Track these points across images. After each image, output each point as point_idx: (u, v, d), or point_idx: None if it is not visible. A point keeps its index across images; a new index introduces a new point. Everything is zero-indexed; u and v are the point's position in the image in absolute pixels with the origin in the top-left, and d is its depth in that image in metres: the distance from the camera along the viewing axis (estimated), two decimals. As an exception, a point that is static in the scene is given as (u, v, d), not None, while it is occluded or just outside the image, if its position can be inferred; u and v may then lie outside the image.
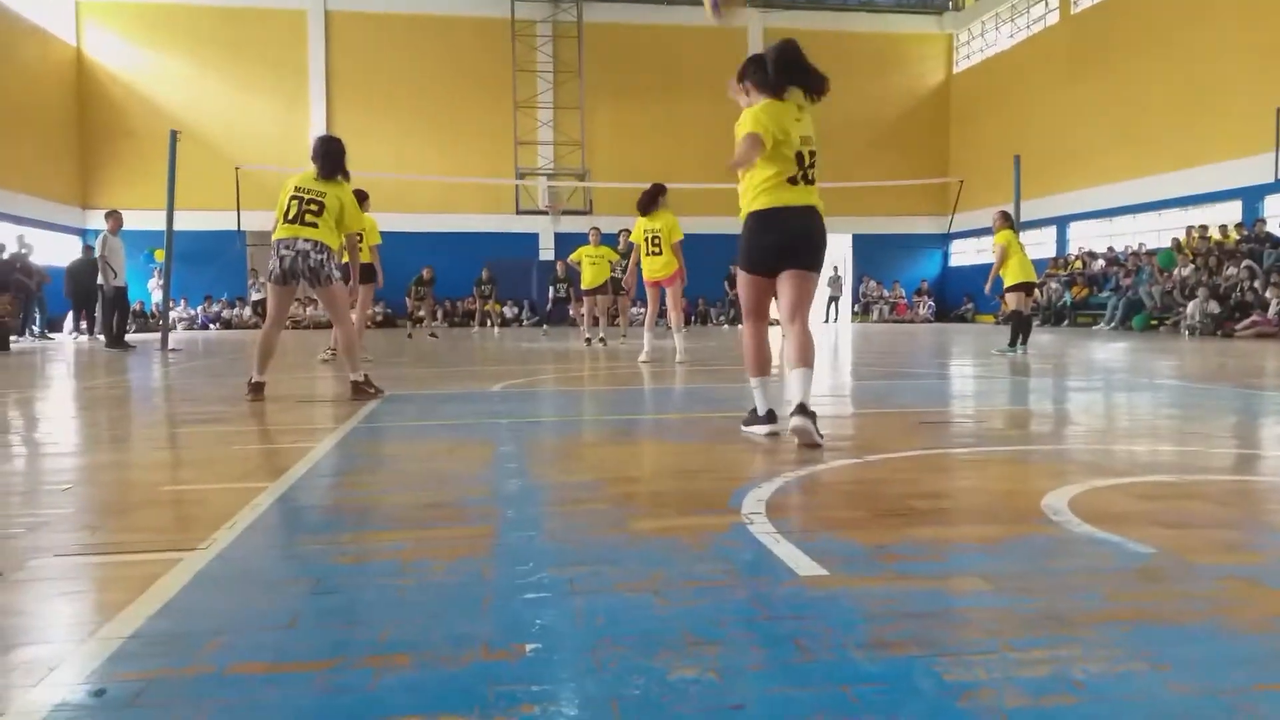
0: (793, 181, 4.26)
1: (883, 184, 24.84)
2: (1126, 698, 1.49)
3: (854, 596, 2.00)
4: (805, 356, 4.11)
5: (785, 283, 4.28)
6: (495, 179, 25.64)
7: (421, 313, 20.19)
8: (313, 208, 6.02)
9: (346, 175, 6.40)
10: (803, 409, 3.96)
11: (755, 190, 4.24)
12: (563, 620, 1.86)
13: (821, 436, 4.00)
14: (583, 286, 13.82)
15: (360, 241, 6.94)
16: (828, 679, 1.56)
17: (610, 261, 13.69)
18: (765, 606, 1.94)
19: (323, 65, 26.71)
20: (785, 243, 4.23)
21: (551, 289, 18.87)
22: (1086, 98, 23.26)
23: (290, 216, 6.02)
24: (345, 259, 6.57)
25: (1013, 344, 11.01)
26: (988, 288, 11.63)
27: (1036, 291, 22.73)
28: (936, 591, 2.06)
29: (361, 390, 6.17)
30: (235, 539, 2.51)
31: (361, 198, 9.76)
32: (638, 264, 9.71)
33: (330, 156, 6.16)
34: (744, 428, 4.48)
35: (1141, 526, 2.59)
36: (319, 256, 5.99)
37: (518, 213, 25.76)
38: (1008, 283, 11.18)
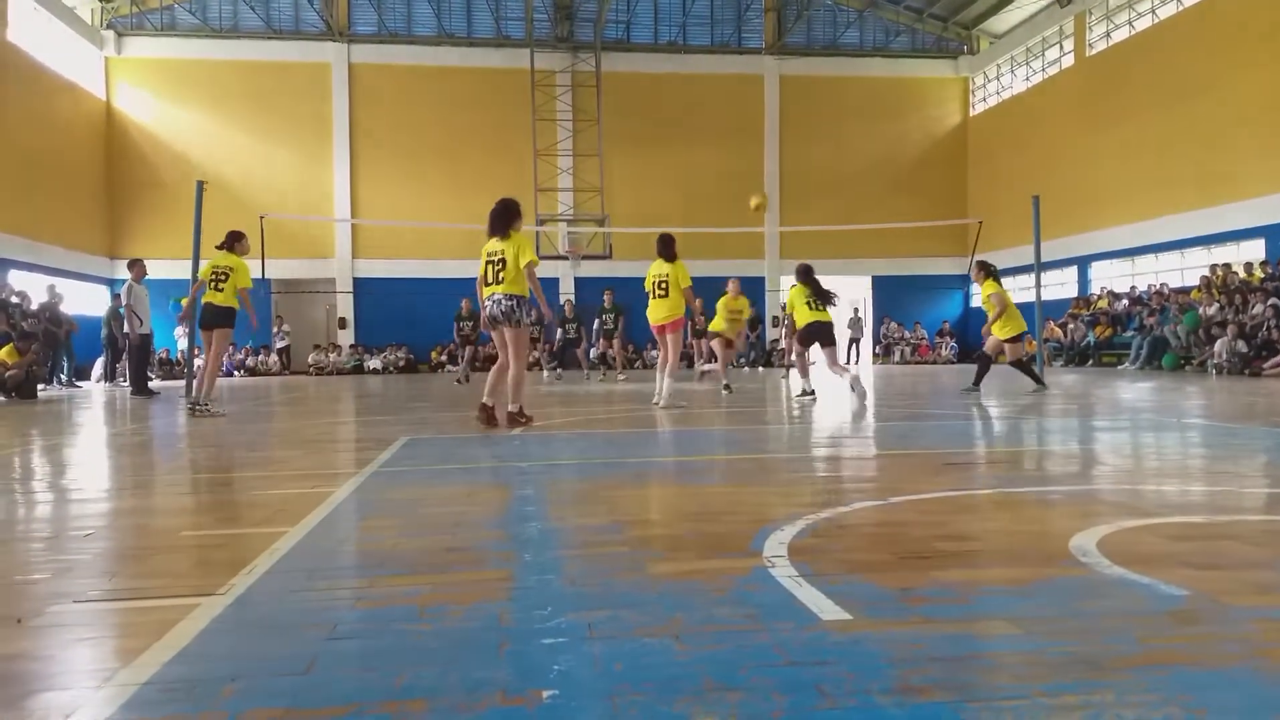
0: None
1: (902, 225, 24.86)
2: (1163, 745, 1.45)
3: (879, 641, 1.95)
4: None
5: None
6: (516, 225, 25.89)
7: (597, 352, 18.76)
8: (499, 266, 7.29)
9: (517, 220, 7.48)
10: None
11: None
12: (581, 666, 1.83)
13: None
14: (726, 334, 13.54)
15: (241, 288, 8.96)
16: (852, 726, 1.52)
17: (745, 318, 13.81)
18: (788, 651, 1.90)
19: (346, 116, 27.21)
20: None
21: (560, 331, 18.52)
22: (1105, 138, 23.29)
23: (488, 280, 7.37)
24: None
25: (977, 383, 11.21)
26: (987, 330, 11.56)
27: (1058, 330, 22.76)
28: (964, 635, 2.01)
29: (515, 419, 7.26)
30: (253, 584, 2.50)
31: (235, 238, 9.65)
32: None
33: (494, 218, 7.37)
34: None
35: (1173, 568, 2.53)
36: (508, 304, 7.27)
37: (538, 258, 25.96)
38: (1009, 334, 11.02)
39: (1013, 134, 27.44)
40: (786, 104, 29.03)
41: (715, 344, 13.35)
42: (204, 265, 9.74)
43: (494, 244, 7.34)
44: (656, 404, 9.40)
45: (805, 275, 10.48)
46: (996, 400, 10.01)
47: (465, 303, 17.29)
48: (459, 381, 16.62)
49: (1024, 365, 11.39)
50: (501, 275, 7.27)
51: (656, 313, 9.74)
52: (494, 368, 7.62)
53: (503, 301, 7.25)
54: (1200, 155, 20.16)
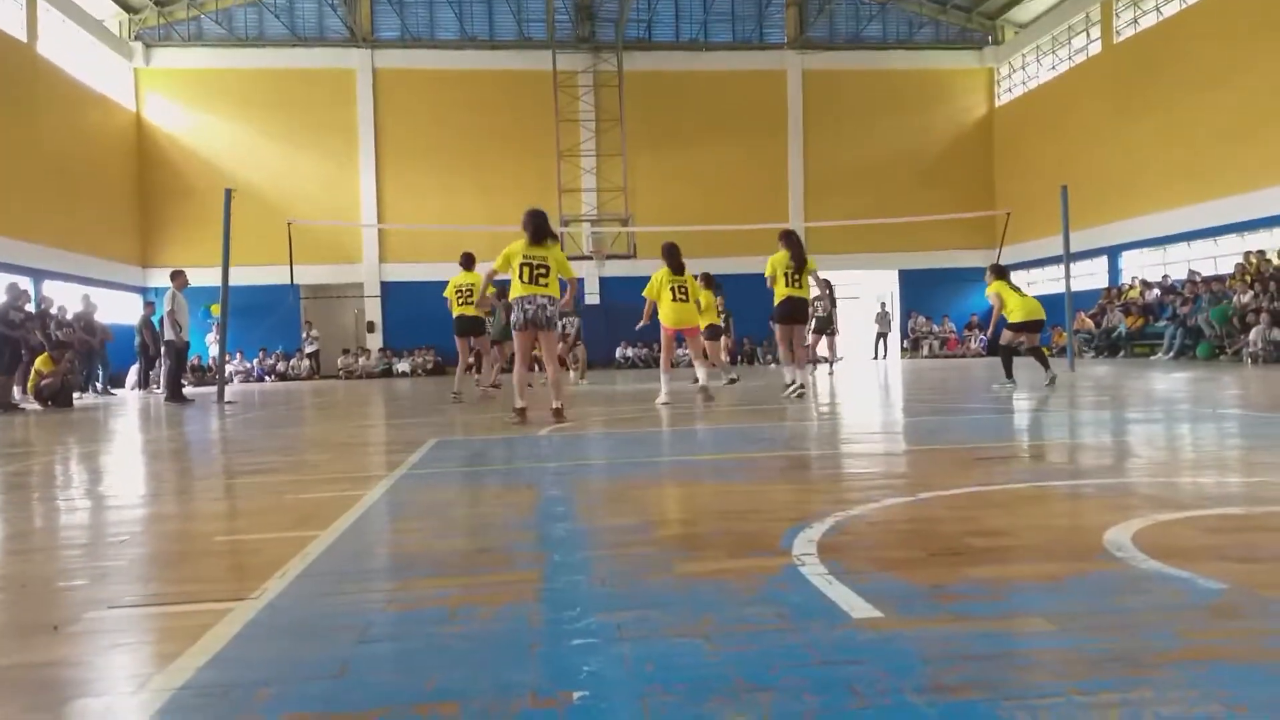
0: None
1: (929, 218, 24.69)
2: (1203, 743, 1.42)
3: (911, 639, 1.94)
4: None
5: None
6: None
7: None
8: (542, 270, 7.55)
9: (555, 237, 7.86)
10: None
11: None
12: (611, 667, 1.83)
13: None
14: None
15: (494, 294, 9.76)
16: (885, 725, 1.51)
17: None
18: (819, 651, 1.88)
19: (371, 121, 27.43)
20: None
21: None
22: (1134, 125, 22.98)
23: (526, 279, 7.52)
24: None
25: (1009, 376, 10.94)
26: (988, 333, 11.80)
27: (1089, 321, 22.48)
28: (997, 633, 1.99)
29: (560, 415, 7.68)
30: (286, 588, 2.52)
31: (471, 257, 11.49)
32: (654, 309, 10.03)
33: (540, 228, 7.64)
34: None
35: (1210, 561, 2.49)
36: (552, 309, 7.59)
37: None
38: (1011, 320, 11.15)
39: (1040, 124, 27.14)
40: (810, 99, 28.90)
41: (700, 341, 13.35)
42: (448, 287, 11.70)
43: (536, 250, 7.62)
44: (666, 403, 9.41)
45: (789, 240, 9.93)
46: (1026, 394, 9.91)
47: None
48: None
49: (1035, 353, 11.33)
50: (544, 280, 7.57)
51: (682, 315, 9.74)
52: (517, 369, 7.96)
53: (548, 306, 7.56)
54: (1232, 140, 19.84)
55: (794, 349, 9.95)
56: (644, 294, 9.91)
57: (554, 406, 7.75)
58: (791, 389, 9.70)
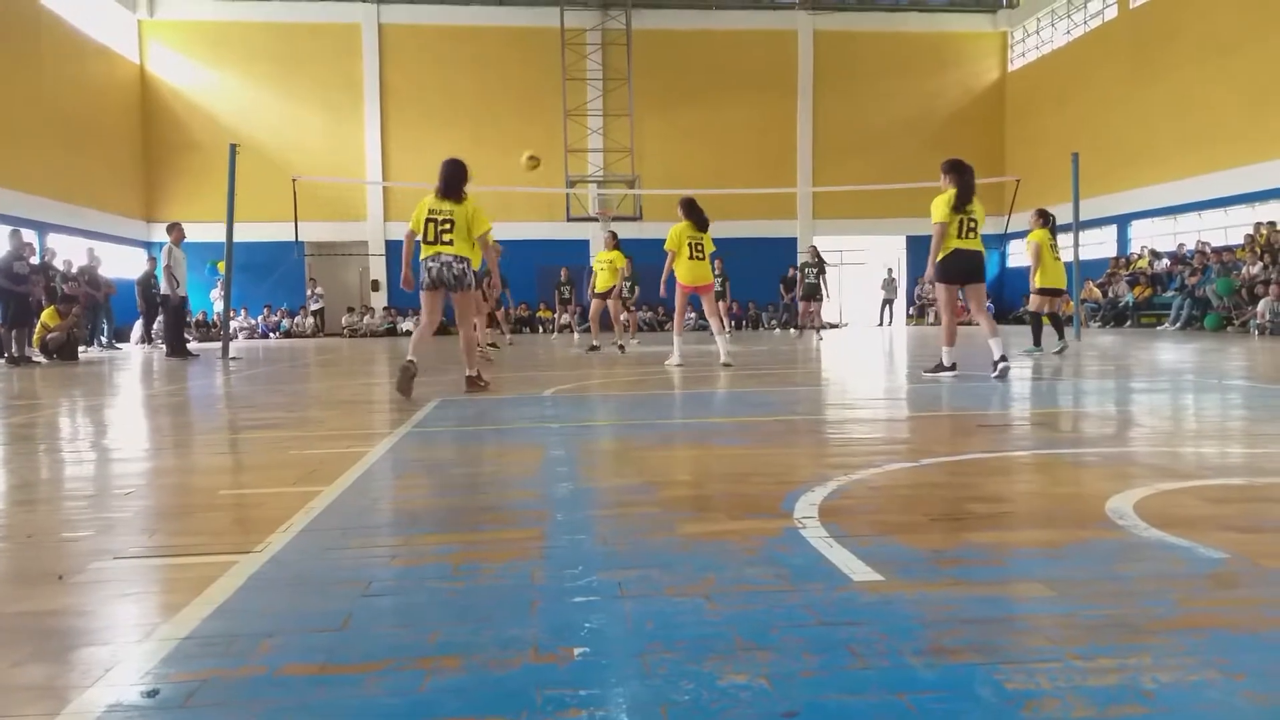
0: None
1: (937, 184, 24.47)
2: (1199, 708, 1.43)
3: (910, 602, 1.94)
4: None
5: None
6: (546, 187, 25.79)
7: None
8: (446, 226, 6.83)
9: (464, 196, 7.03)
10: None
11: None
12: (612, 624, 1.84)
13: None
14: (598, 290, 14.28)
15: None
16: (884, 686, 1.52)
17: (619, 268, 14.24)
18: (818, 612, 1.89)
19: (376, 77, 27.17)
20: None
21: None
22: (1148, 93, 22.70)
23: (430, 239, 6.85)
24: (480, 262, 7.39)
25: (1037, 343, 10.91)
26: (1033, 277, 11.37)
27: (1097, 290, 22.37)
28: (996, 598, 2.00)
29: (473, 384, 7.11)
30: (289, 542, 2.54)
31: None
32: (671, 271, 9.61)
33: (449, 181, 6.87)
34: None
35: (1212, 531, 2.49)
36: (460, 267, 6.85)
37: (568, 220, 25.87)
38: (1036, 285, 10.88)
39: (1052, 90, 26.82)
40: (820, 60, 28.55)
41: (612, 304, 14.19)
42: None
43: (442, 204, 6.84)
44: (679, 365, 9.43)
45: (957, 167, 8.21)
46: (1032, 362, 9.89)
47: (564, 271, 19.94)
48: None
49: (1054, 319, 11.13)
50: (448, 236, 6.79)
51: (699, 273, 9.43)
52: (421, 328, 7.13)
53: (454, 265, 6.79)
54: (1245, 110, 19.61)
55: (982, 314, 7.95)
56: (666, 248, 9.50)
57: (467, 374, 7.15)
58: (1000, 367, 7.53)
